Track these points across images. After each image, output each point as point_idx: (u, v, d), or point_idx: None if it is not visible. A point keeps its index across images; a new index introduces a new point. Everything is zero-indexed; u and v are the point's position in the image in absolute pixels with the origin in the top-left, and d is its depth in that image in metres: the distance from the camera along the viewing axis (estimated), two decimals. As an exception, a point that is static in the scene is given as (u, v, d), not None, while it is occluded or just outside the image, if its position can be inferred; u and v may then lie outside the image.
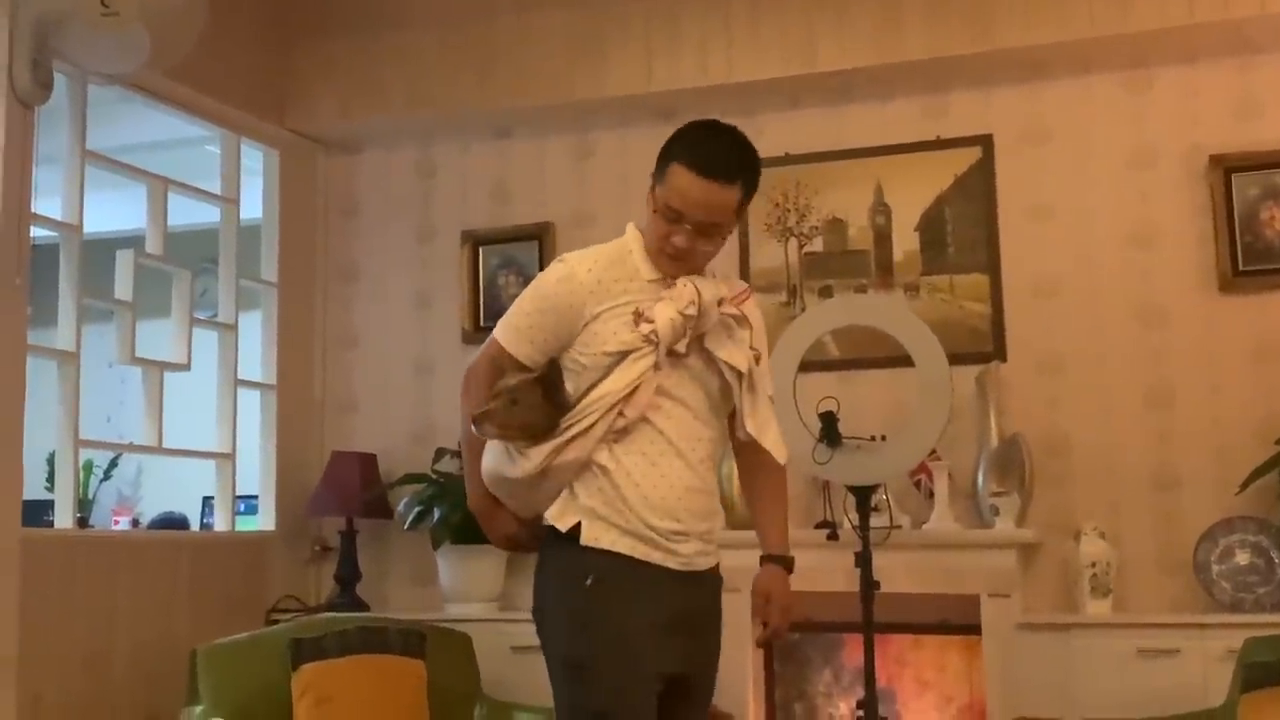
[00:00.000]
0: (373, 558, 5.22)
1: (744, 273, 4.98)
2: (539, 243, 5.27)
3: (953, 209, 4.82)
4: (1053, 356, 4.66)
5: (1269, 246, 4.47)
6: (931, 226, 4.84)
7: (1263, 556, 4.26)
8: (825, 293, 4.91)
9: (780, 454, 2.70)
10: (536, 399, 2.50)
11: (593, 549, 2.50)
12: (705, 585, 2.63)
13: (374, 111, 5.35)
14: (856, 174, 4.92)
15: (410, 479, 5.06)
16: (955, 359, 4.28)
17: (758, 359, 2.64)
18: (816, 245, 4.96)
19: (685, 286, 2.53)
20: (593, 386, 2.51)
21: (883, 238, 4.89)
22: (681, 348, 2.53)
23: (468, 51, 5.21)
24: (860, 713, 4.02)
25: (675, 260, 2.56)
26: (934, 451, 4.39)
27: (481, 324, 5.31)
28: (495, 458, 2.59)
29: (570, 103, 5.13)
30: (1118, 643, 4.16)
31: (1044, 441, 4.59)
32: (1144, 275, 4.61)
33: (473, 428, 2.55)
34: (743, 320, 2.63)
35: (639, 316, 2.50)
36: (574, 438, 2.49)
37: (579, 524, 2.51)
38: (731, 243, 4.93)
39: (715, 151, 2.54)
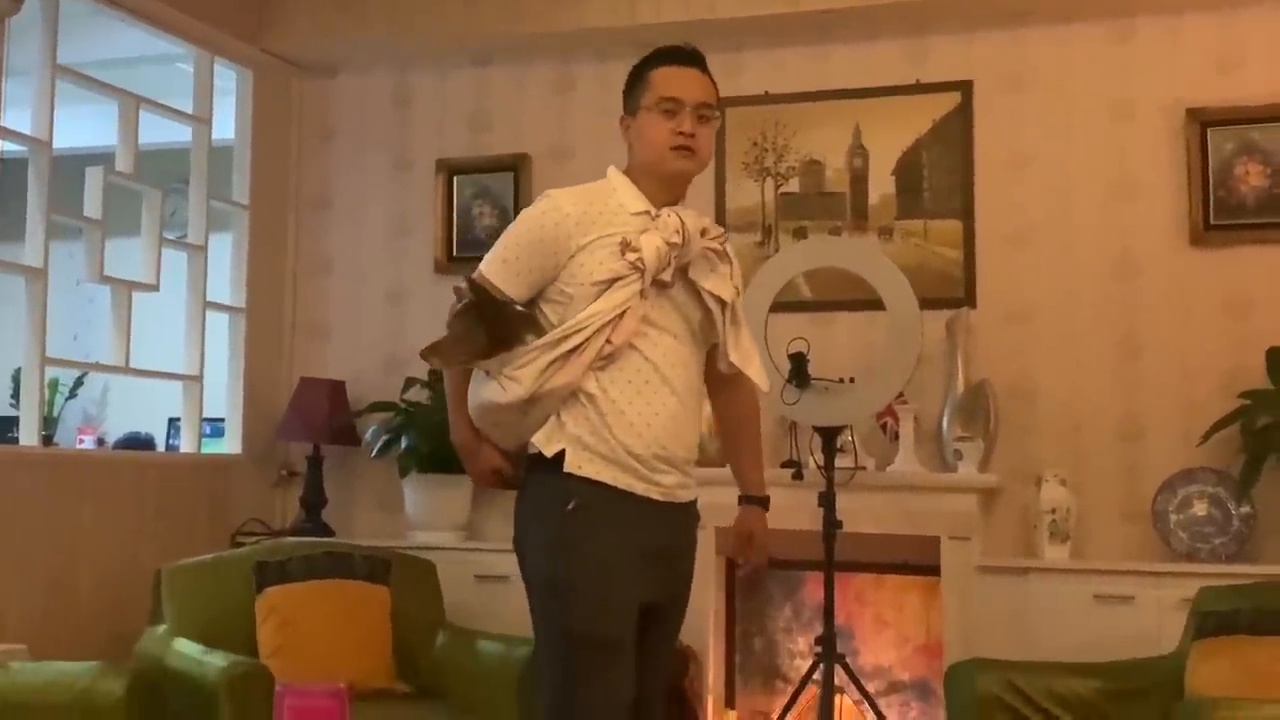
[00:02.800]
0: (339, 484, 5.22)
1: (719, 212, 4.97)
2: (515, 174, 5.24)
3: (930, 154, 4.81)
4: (1023, 304, 4.68)
5: (1242, 201, 4.49)
6: (908, 171, 4.84)
7: (1220, 508, 4.32)
8: (800, 234, 4.91)
9: (763, 383, 2.76)
10: (471, 324, 2.55)
11: (575, 476, 2.53)
12: (684, 517, 2.68)
13: (352, 34, 5.27)
14: (835, 115, 4.90)
15: (379, 406, 5.06)
16: (926, 304, 4.31)
17: (738, 294, 2.70)
18: (793, 186, 4.95)
19: (670, 216, 2.58)
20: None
21: (859, 180, 4.88)
22: (667, 276, 2.57)
23: (449, -25, 5.14)
24: (818, 648, 4.09)
25: (687, 154, 2.62)
26: (901, 395, 4.42)
27: (454, 254, 5.29)
28: (484, 387, 2.60)
29: (551, 33, 5.07)
30: (1074, 588, 4.22)
31: (1010, 388, 4.62)
32: (1117, 227, 4.62)
33: (430, 363, 2.65)
34: (724, 255, 2.68)
35: (626, 246, 2.53)
36: (564, 355, 2.51)
37: (563, 451, 2.54)
38: (707, 180, 4.96)
39: (682, 49, 2.71)
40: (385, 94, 5.50)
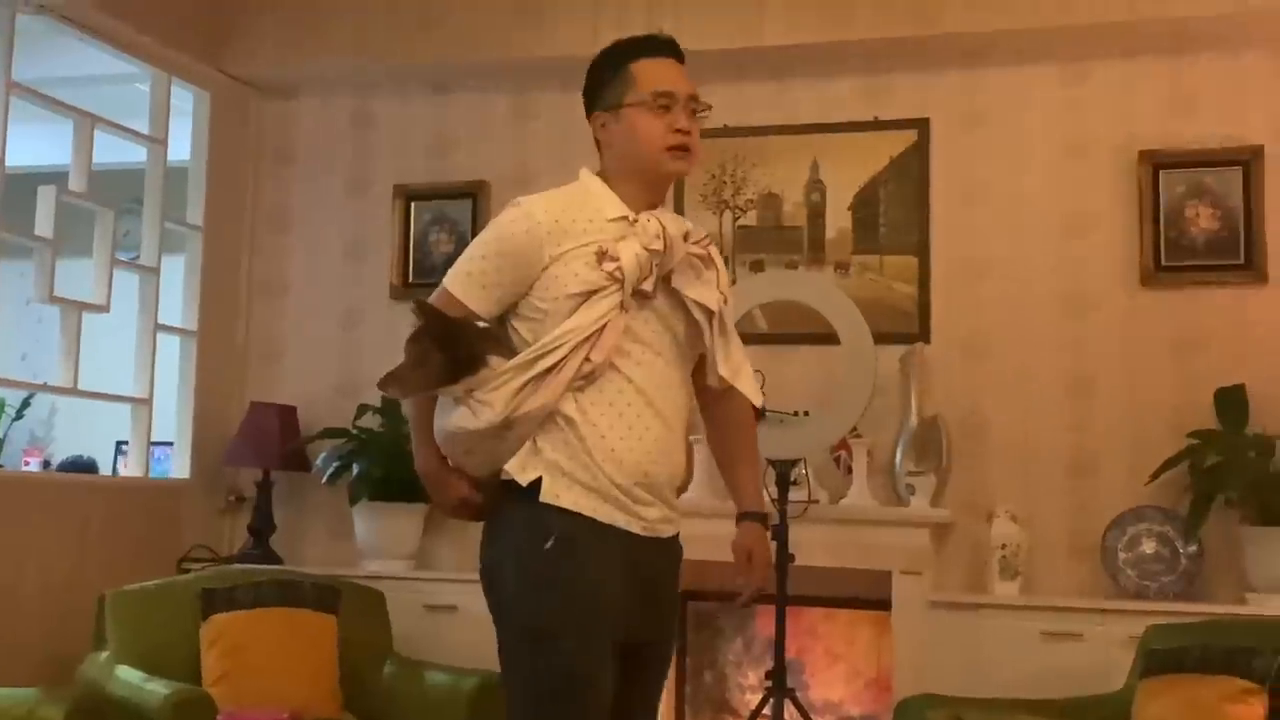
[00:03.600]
0: (288, 511, 5.17)
1: (677, 242, 4.97)
2: (473, 201, 5.23)
3: (887, 190, 4.85)
4: (976, 340, 4.72)
5: (1192, 243, 4.56)
6: (865, 206, 4.87)
7: (1168, 546, 4.36)
8: (757, 267, 4.93)
9: (756, 397, 2.59)
10: (425, 349, 2.37)
11: (553, 507, 2.34)
12: (667, 552, 2.50)
13: (313, 57, 5.26)
14: (794, 150, 4.94)
15: (331, 433, 5.01)
16: (881, 338, 4.34)
17: (725, 301, 2.52)
18: (750, 219, 4.98)
19: (650, 221, 2.40)
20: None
21: (816, 215, 4.91)
22: (648, 287, 2.38)
23: (412, 2, 5.13)
24: (769, 682, 4.07)
25: (683, 151, 2.44)
26: (855, 429, 4.44)
27: (410, 280, 5.26)
28: (453, 412, 2.39)
29: (512, 60, 5.08)
30: (1023, 624, 4.23)
31: (963, 423, 4.65)
32: (1070, 265, 4.67)
33: (386, 393, 2.45)
34: (709, 260, 2.50)
35: (603, 255, 2.35)
36: (540, 375, 2.33)
37: (539, 479, 2.35)
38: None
39: (660, 38, 2.52)
40: (345, 117, 5.48)
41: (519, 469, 2.37)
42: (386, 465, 4.80)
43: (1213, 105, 4.60)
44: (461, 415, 2.37)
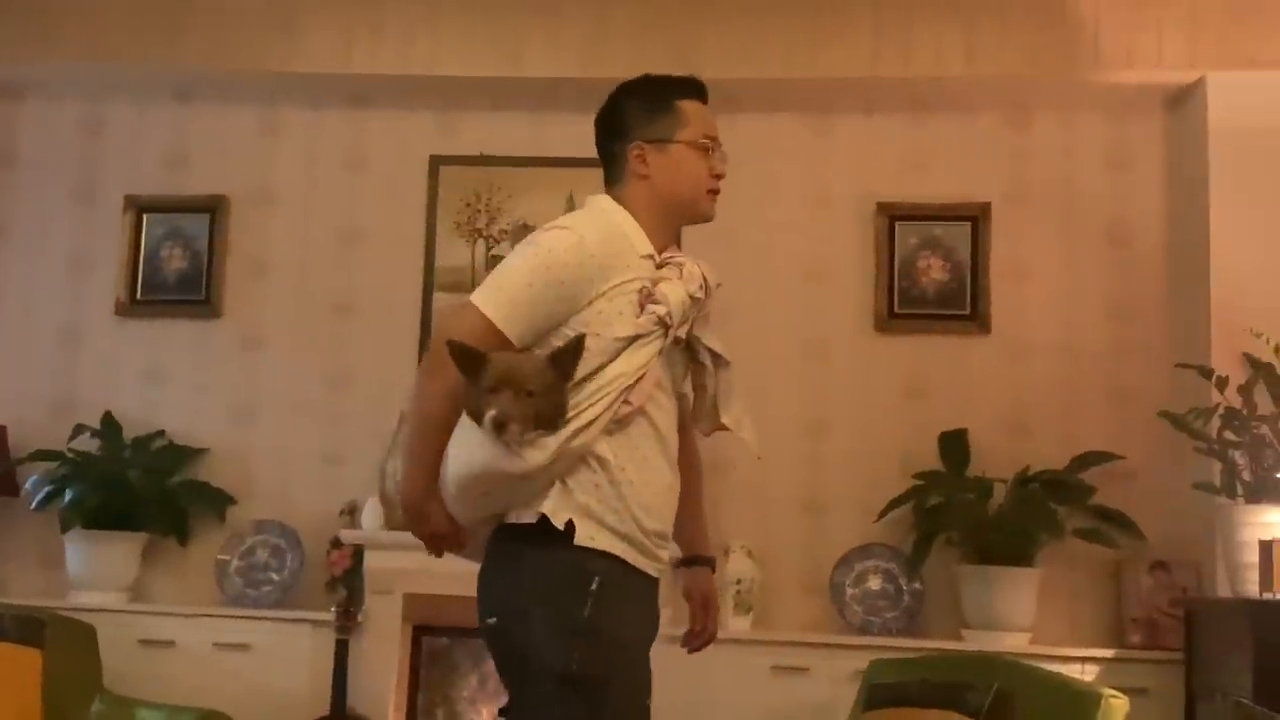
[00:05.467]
0: (-7, 537, 4.80)
1: (428, 270, 4.89)
2: (212, 216, 5.00)
3: (638, 227, 4.89)
4: (720, 380, 4.79)
5: (923, 293, 4.77)
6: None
7: (892, 582, 4.52)
8: (506, 297, 4.87)
9: (757, 448, 2.58)
10: (550, 382, 2.19)
11: (590, 550, 2.24)
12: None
13: (41, 57, 4.92)
14: (550, 182, 4.92)
15: (42, 455, 4.70)
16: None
17: None
18: (503, 249, 4.93)
19: (692, 266, 2.37)
20: (597, 370, 2.25)
21: (568, 248, 4.90)
22: (683, 334, 2.36)
23: (155, 2, 4.88)
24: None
25: (715, 196, 2.47)
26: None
27: (139, 296, 4.98)
28: (483, 449, 2.19)
29: (259, 73, 4.89)
30: (754, 659, 4.31)
31: (705, 460, 4.69)
32: (810, 310, 4.82)
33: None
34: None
35: (647, 297, 2.29)
36: (588, 425, 2.23)
37: (569, 522, 2.24)
38: (416, 236, 4.89)
39: (702, 83, 2.52)
40: (73, 122, 5.16)
41: (553, 511, 2.24)
42: (103, 491, 4.52)
43: (943, 163, 4.84)
44: (498, 455, 2.19)
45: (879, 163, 4.86)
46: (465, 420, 2.24)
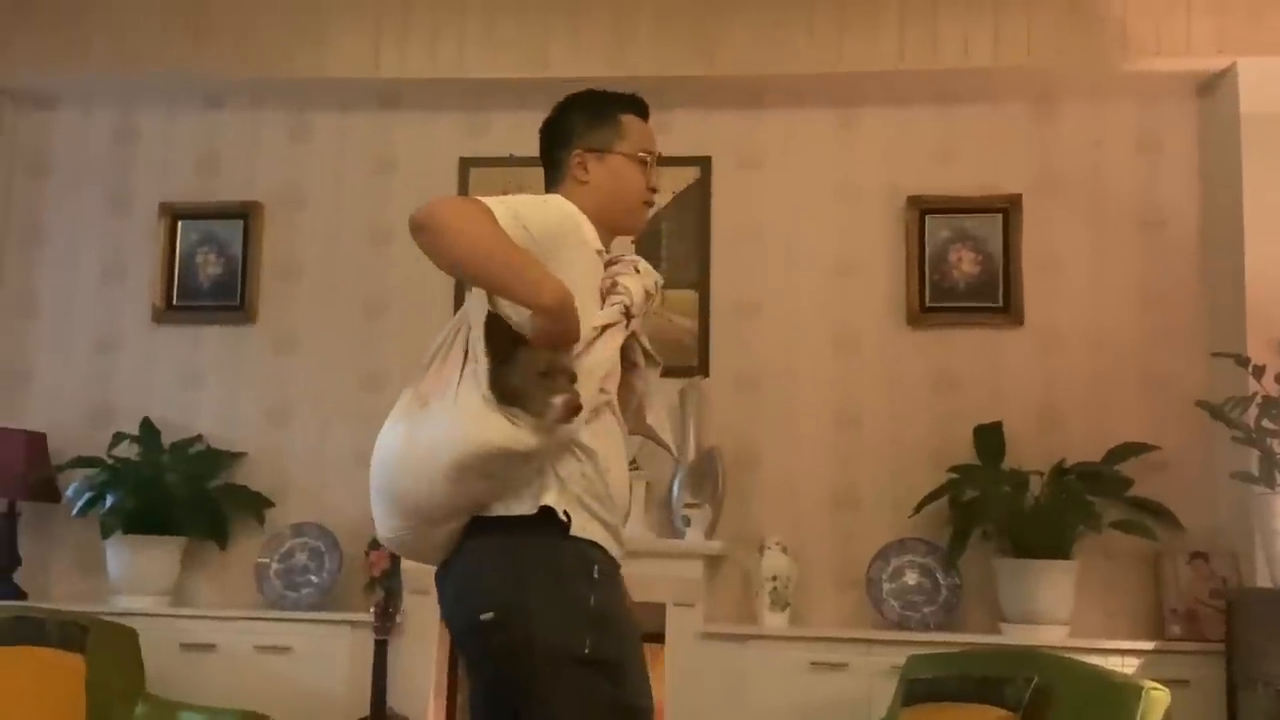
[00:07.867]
0: (35, 544, 4.85)
1: (457, 271, 4.90)
2: (245, 222, 5.04)
3: (670, 225, 4.90)
4: (750, 374, 4.81)
5: (954, 286, 4.76)
6: (648, 241, 4.89)
7: (929, 577, 4.51)
8: (537, 297, 4.88)
9: (673, 450, 2.65)
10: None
11: (584, 540, 2.27)
12: None
13: (74, 66, 4.98)
14: (577, 182, 4.92)
15: (82, 462, 4.74)
16: (661, 372, 4.34)
17: None
18: (532, 249, 4.94)
19: (646, 265, 2.47)
20: (579, 357, 2.26)
21: (598, 248, 4.91)
22: (636, 328, 2.43)
23: (183, 11, 4.93)
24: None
25: (649, 208, 2.54)
26: (634, 461, 4.43)
27: (174, 303, 5.03)
28: (487, 422, 2.17)
29: (289, 79, 4.92)
30: (792, 655, 4.31)
31: (736, 456, 4.72)
32: (841, 303, 4.81)
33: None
34: None
35: (609, 288, 2.37)
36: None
37: (565, 512, 2.25)
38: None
39: (643, 101, 2.60)
40: (107, 131, 5.21)
41: (555, 502, 2.25)
42: (142, 496, 4.57)
43: (973, 155, 4.82)
44: (503, 430, 2.17)
45: (908, 156, 4.85)
46: (468, 401, 2.21)
